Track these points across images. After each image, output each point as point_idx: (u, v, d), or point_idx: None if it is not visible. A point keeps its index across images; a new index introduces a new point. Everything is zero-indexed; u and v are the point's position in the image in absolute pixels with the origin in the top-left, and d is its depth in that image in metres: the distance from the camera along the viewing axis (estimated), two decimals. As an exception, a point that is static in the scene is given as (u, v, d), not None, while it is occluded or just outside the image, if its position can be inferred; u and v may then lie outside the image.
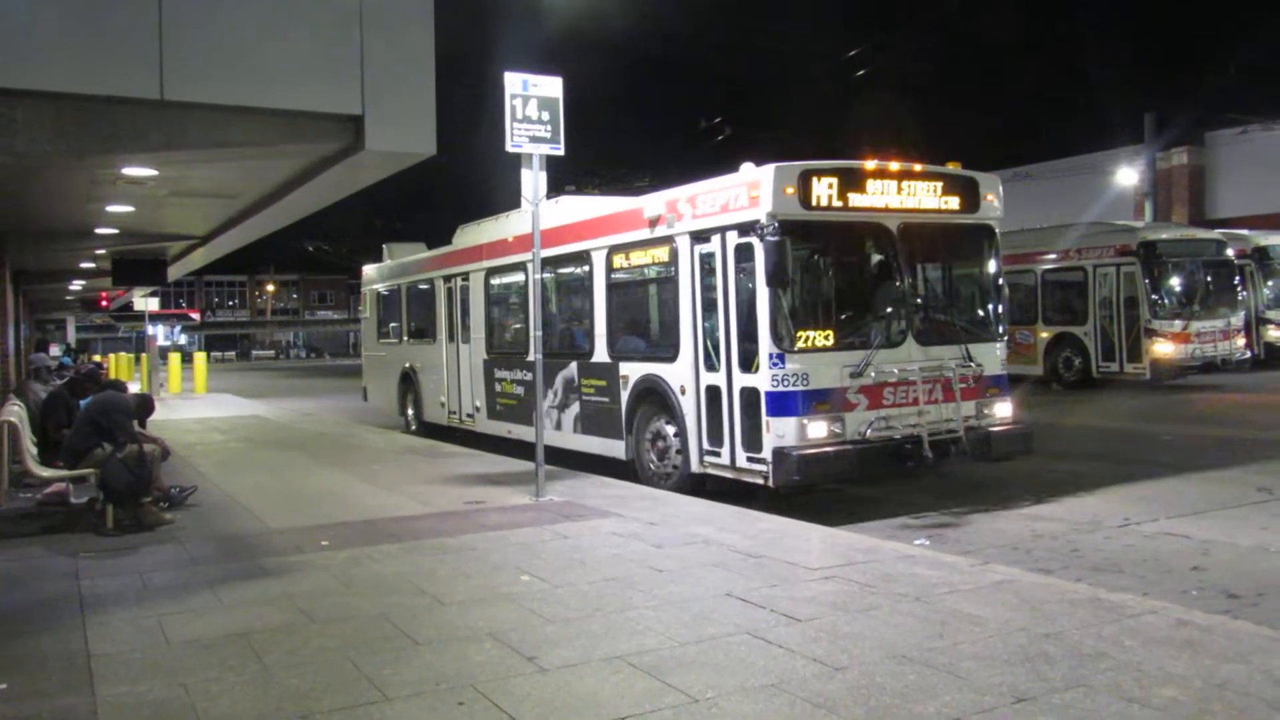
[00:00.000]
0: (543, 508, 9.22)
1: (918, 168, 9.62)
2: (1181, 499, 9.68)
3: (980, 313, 10.36)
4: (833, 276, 9.78)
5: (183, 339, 79.47)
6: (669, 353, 10.27)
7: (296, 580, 6.82)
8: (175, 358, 31.80)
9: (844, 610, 5.72)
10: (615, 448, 11.30)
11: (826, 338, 9.06)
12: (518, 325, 13.89)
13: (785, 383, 8.82)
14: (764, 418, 8.87)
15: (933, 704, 4.34)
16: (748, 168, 9.32)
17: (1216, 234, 22.58)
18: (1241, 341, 20.96)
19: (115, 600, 6.40)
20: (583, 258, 11.86)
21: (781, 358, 8.81)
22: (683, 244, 10.03)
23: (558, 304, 13.01)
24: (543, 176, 9.69)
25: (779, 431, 8.81)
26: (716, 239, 9.53)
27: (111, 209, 11.55)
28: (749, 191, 9.07)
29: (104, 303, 35.82)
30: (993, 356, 9.98)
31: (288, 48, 6.90)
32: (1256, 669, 4.63)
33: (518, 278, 13.64)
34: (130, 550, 7.87)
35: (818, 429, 8.83)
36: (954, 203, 9.85)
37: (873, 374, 9.07)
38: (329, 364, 69.20)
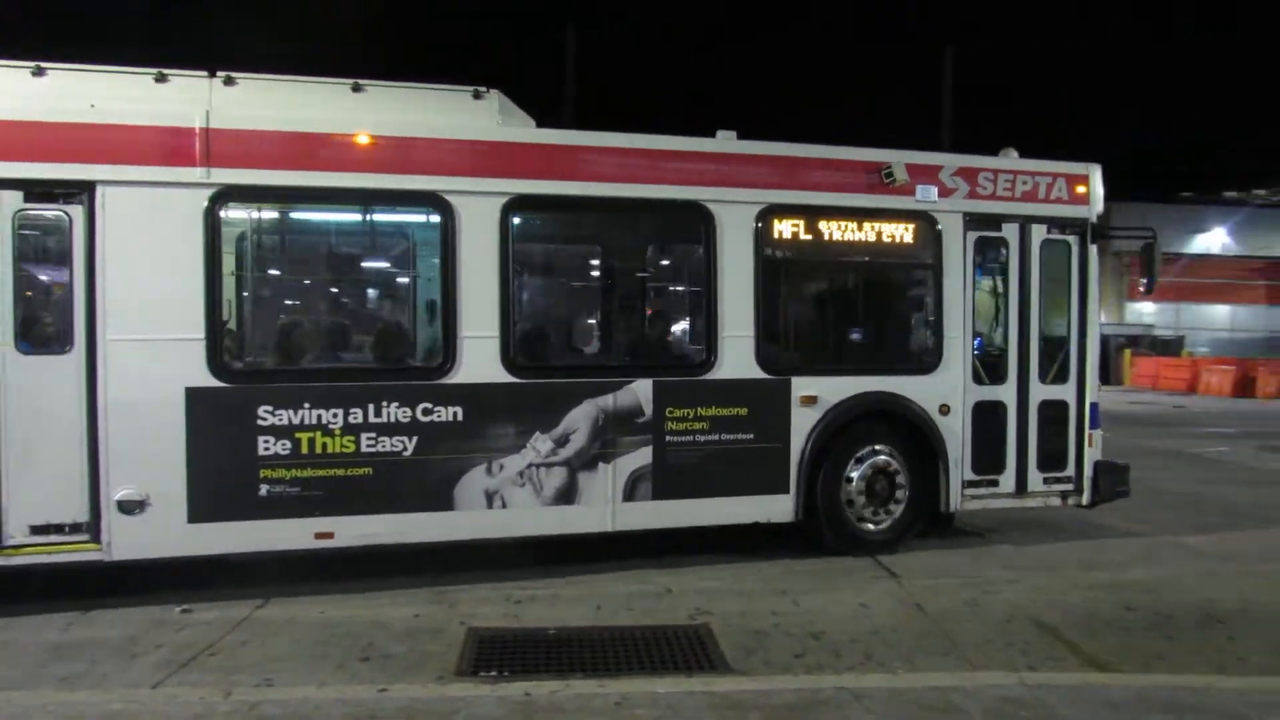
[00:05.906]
0: None
1: None
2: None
3: None
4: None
5: None
6: (920, 362, 8.37)
7: None
8: None
9: None
10: (762, 509, 7.89)
11: None
12: (372, 308, 8.10)
13: (1096, 392, 8.83)
14: (1086, 432, 8.70)
15: None
16: (1008, 152, 8.86)
17: None
18: None
19: None
20: (668, 212, 7.84)
21: (1095, 369, 8.84)
22: (950, 225, 8.37)
23: (560, 285, 8.61)
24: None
25: (1098, 444, 8.78)
26: (1010, 229, 8.64)
27: None
28: (1071, 186, 8.73)
29: None
30: None
31: None
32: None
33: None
34: None
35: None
36: None
37: None
38: None
